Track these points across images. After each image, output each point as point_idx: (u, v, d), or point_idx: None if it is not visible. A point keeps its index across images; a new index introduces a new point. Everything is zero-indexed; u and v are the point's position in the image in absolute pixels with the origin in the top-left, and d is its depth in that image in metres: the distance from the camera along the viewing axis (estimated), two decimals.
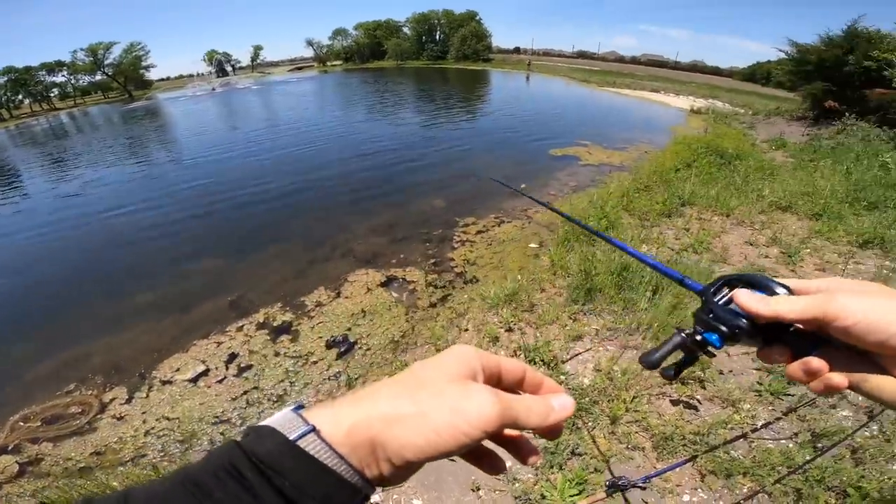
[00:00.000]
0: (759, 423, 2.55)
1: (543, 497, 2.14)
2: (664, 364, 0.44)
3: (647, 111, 17.66)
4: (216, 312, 4.29)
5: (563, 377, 2.87)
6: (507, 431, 0.38)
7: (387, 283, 4.59)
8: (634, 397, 2.68)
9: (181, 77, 76.10)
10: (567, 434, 2.45)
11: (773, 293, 0.41)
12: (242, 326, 4.01)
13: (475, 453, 0.38)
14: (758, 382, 2.84)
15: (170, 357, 3.72)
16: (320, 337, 3.79)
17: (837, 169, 7.25)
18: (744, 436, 2.42)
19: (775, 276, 0.44)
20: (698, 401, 2.73)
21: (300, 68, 69.87)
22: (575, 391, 2.71)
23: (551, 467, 2.29)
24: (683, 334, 0.44)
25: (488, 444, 0.35)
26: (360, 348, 3.63)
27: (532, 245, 5.19)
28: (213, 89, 40.91)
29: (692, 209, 5.73)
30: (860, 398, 2.78)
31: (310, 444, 0.29)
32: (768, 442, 2.46)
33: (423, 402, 0.31)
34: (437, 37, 64.26)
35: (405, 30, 66.96)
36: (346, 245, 5.50)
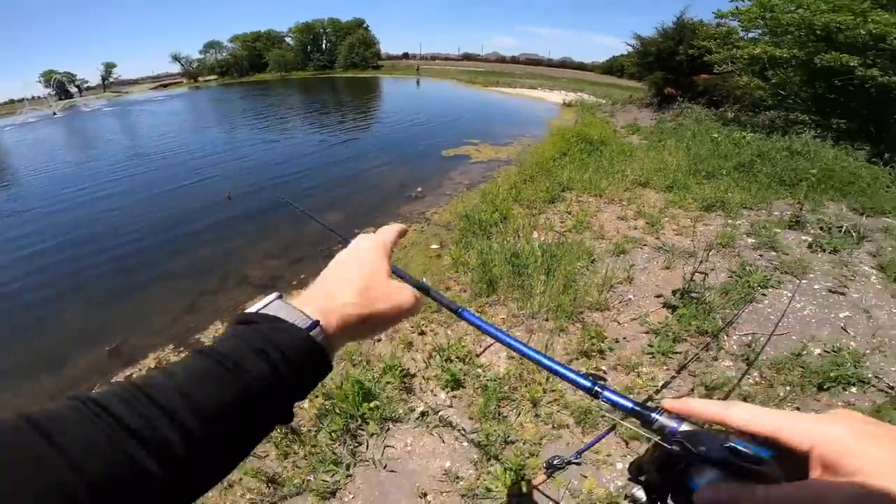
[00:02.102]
0: (660, 384, 2.76)
1: (489, 490, 2.17)
2: None
3: (527, 107, 19.10)
4: (96, 364, 3.75)
5: (479, 370, 2.94)
6: None
7: None
8: (548, 378, 2.80)
9: (12, 102, 63.43)
10: (497, 424, 2.51)
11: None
12: (131, 375, 3.53)
13: None
14: (648, 345, 3.12)
15: None
16: None
17: (679, 146, 8.55)
18: (650, 398, 2.54)
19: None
20: (604, 371, 2.93)
21: (165, 85, 62.49)
22: (493, 381, 2.78)
23: (489, 459, 2.33)
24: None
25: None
26: None
27: (433, 246, 5.29)
28: (54, 114, 34.74)
29: (571, 193, 6.33)
30: (736, 347, 3.15)
31: (318, 336, 0.38)
32: None
33: (376, 301, 0.44)
34: (324, 46, 62.33)
35: (288, 40, 63.77)
36: (240, 272, 5.09)
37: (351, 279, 0.44)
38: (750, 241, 4.74)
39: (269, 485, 2.32)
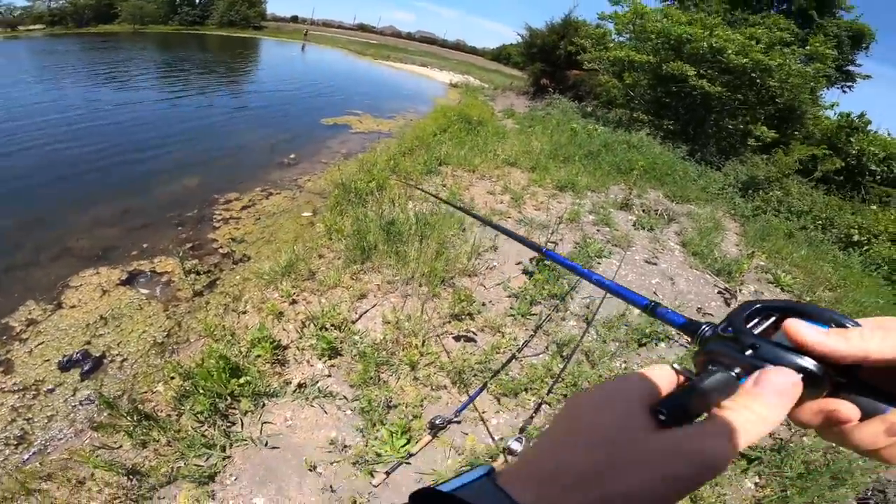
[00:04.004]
0: (521, 343, 3.02)
1: (379, 455, 2.17)
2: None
3: (415, 83, 19.19)
4: None
5: (356, 337, 2.93)
6: None
7: (129, 280, 3.79)
8: (423, 342, 2.91)
9: None
10: (377, 389, 2.53)
11: (840, 327, 0.30)
12: None
13: None
14: (510, 307, 3.44)
15: None
16: (46, 360, 2.96)
17: (545, 133, 9.48)
18: (514, 357, 2.82)
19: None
20: (474, 333, 3.14)
21: None
22: (371, 347, 2.80)
23: (373, 425, 2.32)
24: (734, 372, 0.30)
25: None
26: (111, 361, 2.98)
27: (305, 214, 5.11)
28: None
29: (447, 167, 6.62)
30: (578, 308, 3.59)
31: None
32: (532, 359, 2.95)
33: (622, 472, 0.26)
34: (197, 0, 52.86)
35: None
36: (59, 243, 4.25)
37: (580, 443, 0.29)
38: (591, 217, 5.55)
39: (131, 477, 2.09)
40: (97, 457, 2.18)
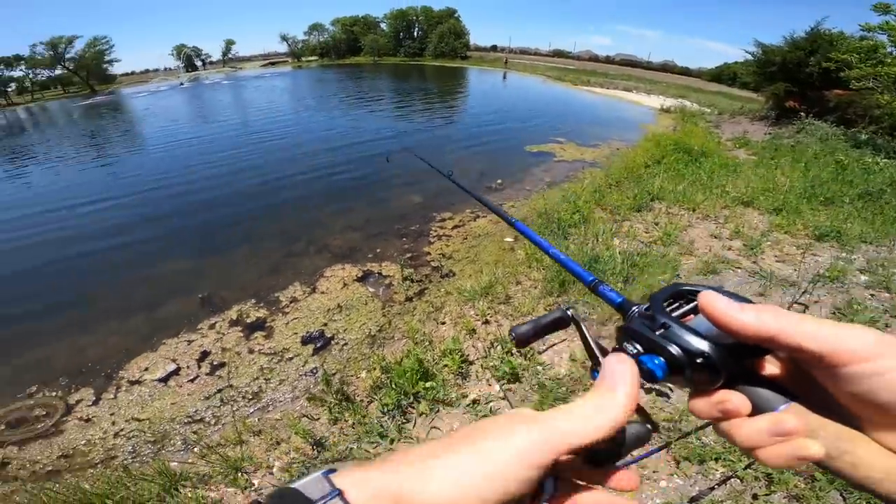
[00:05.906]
0: None
1: None
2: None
3: (620, 109, 18.12)
4: (187, 310, 4.17)
5: (539, 367, 2.92)
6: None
7: (363, 278, 4.57)
8: None
9: (147, 72, 72.85)
10: None
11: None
12: (215, 324, 3.92)
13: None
14: None
15: (138, 357, 3.58)
16: (295, 333, 3.75)
17: (796, 166, 7.62)
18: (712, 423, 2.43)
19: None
20: (669, 388, 2.75)
21: (273, 63, 68.24)
22: (552, 381, 2.75)
23: None
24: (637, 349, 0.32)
25: None
26: (336, 343, 3.60)
27: (507, 239, 5.26)
28: (181, 84, 39.50)
29: (661, 204, 5.92)
30: None
31: None
32: None
33: (454, 450, 0.28)
34: (415, 34, 64.28)
35: (382, 26, 66.67)
36: (322, 240, 5.46)
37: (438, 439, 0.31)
38: (863, 278, 4.14)
39: (315, 447, 2.44)
40: (299, 423, 2.56)
